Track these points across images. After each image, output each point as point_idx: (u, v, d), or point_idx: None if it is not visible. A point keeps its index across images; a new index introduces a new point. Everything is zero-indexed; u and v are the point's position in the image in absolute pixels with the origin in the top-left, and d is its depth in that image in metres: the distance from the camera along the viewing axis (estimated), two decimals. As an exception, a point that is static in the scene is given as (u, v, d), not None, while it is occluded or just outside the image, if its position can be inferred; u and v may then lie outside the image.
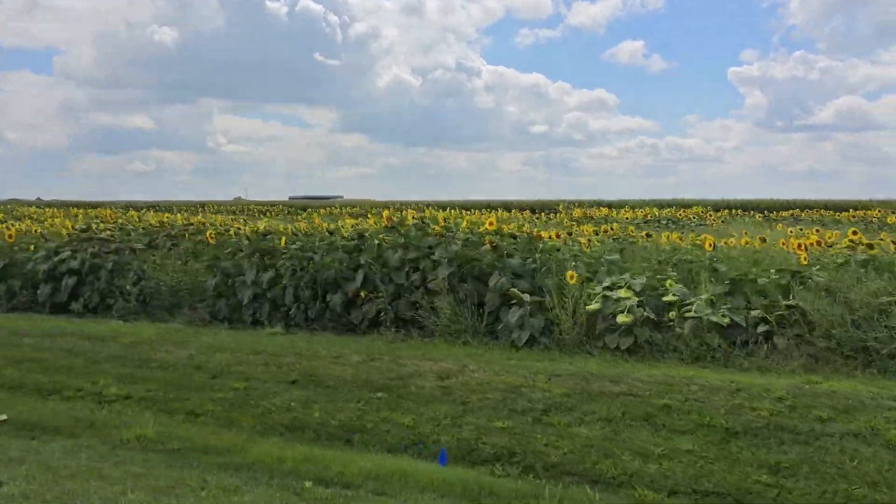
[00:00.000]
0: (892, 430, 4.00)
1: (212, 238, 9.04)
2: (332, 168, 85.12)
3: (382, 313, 7.08)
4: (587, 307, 6.11)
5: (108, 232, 9.80)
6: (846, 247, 6.87)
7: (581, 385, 4.91)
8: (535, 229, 8.09)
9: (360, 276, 7.24)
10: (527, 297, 6.33)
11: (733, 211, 27.50)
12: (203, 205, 41.29)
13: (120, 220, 12.17)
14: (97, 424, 4.45)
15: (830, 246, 7.21)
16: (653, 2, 71.64)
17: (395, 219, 7.91)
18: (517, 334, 6.23)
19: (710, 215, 24.01)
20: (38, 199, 56.89)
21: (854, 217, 22.00)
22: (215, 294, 7.96)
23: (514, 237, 7.48)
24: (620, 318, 5.84)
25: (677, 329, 5.83)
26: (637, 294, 6.08)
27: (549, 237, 7.74)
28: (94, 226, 10.37)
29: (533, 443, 4.09)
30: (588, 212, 26.42)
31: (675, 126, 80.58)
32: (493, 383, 5.02)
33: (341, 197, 58.48)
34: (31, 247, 9.32)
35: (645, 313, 5.90)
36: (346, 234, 8.23)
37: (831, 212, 26.03)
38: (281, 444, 4.16)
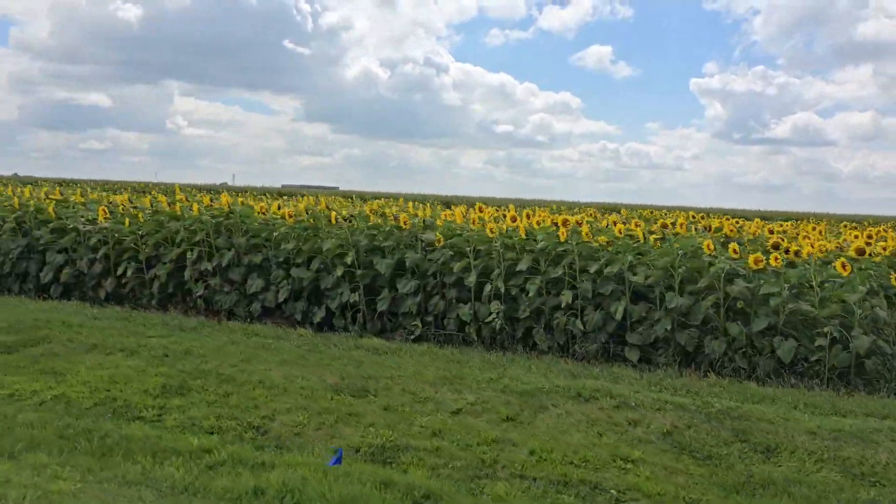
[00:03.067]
0: None
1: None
2: (292, 156, 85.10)
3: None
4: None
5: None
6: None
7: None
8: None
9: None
10: None
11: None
12: (185, 187, 40.47)
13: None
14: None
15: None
16: (622, 10, 74.04)
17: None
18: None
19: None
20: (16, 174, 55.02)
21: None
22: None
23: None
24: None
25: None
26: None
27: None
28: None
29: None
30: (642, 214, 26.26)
31: (636, 132, 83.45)
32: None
33: (337, 188, 58.22)
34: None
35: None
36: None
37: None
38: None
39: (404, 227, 7.00)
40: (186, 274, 7.69)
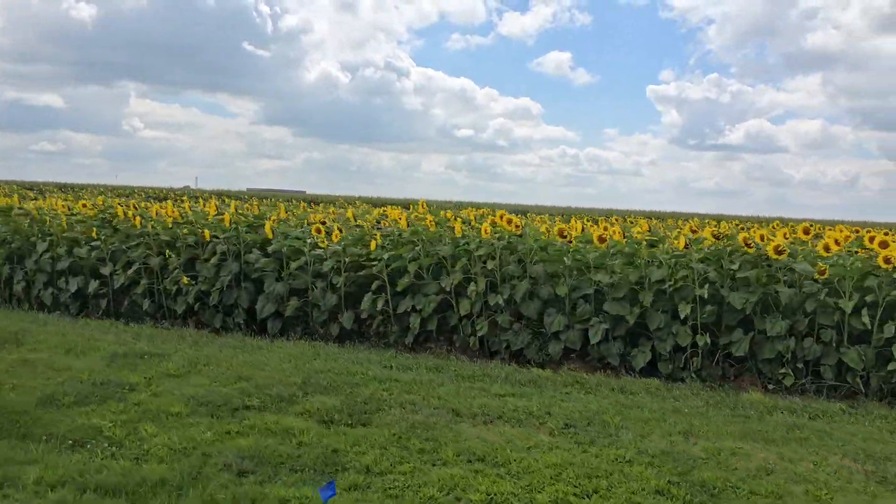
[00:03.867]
0: None
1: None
2: (252, 159, 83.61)
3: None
4: None
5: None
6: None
7: None
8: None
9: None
10: None
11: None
12: (143, 190, 38.35)
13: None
14: None
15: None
16: (581, 17, 74.89)
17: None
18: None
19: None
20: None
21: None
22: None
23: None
24: None
25: None
26: None
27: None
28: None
29: None
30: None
31: (595, 138, 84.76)
32: None
33: (304, 192, 56.82)
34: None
35: None
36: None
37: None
38: None
39: (774, 256, 5.74)
40: (462, 308, 6.32)
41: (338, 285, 6.66)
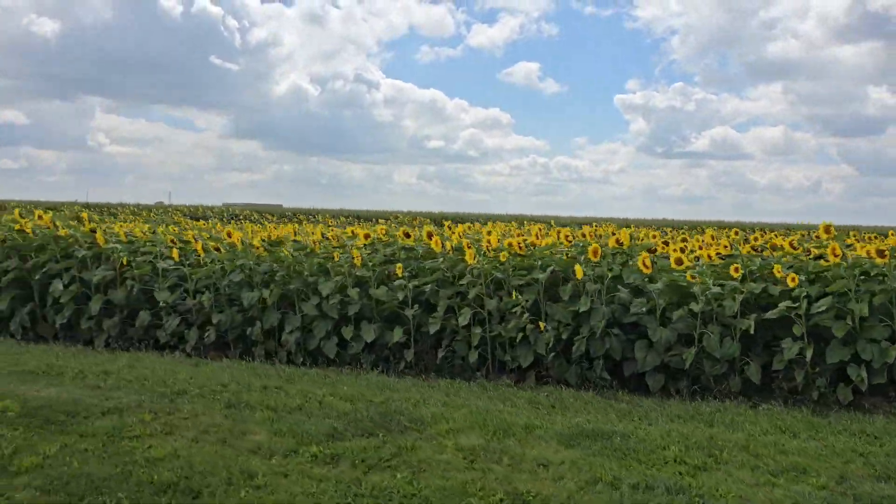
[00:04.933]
0: None
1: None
2: (221, 173, 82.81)
3: None
4: None
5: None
6: None
7: None
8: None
9: None
10: None
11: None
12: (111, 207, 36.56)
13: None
14: None
15: None
16: (548, 28, 76.56)
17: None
18: None
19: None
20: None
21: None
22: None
23: None
24: None
25: None
26: None
27: None
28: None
29: None
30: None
31: (565, 147, 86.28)
32: None
33: (280, 206, 55.64)
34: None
35: None
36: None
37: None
38: None
39: None
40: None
41: (735, 329, 5.45)
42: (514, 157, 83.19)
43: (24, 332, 6.94)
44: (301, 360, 6.33)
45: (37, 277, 6.89)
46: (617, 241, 6.03)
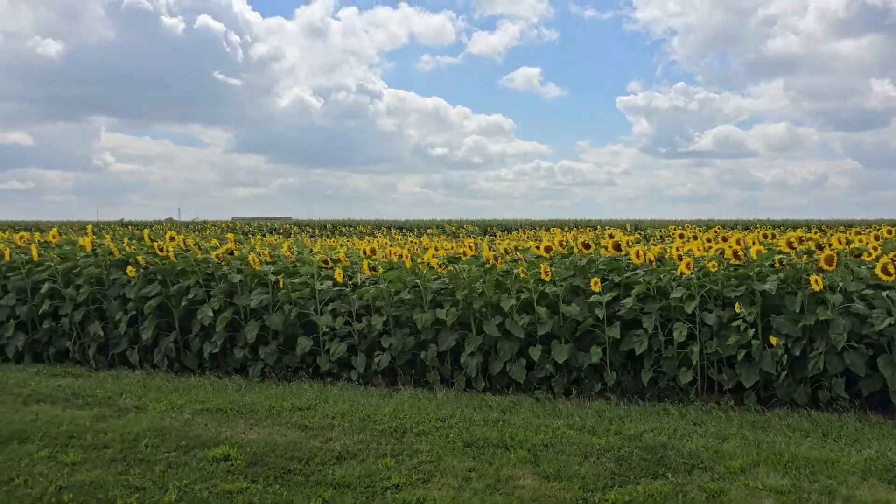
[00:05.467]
0: None
1: None
2: (226, 188, 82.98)
3: None
4: None
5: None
6: None
7: None
8: None
9: None
10: None
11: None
12: (124, 224, 36.22)
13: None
14: None
15: None
16: (548, 34, 76.40)
17: None
18: None
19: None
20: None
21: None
22: None
23: None
24: None
25: None
26: None
27: None
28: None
29: None
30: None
31: (568, 151, 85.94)
32: None
33: (290, 218, 55.65)
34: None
35: None
36: None
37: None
38: None
39: None
40: None
41: None
42: (518, 163, 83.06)
43: (168, 362, 6.46)
44: (483, 385, 5.81)
45: (182, 304, 6.41)
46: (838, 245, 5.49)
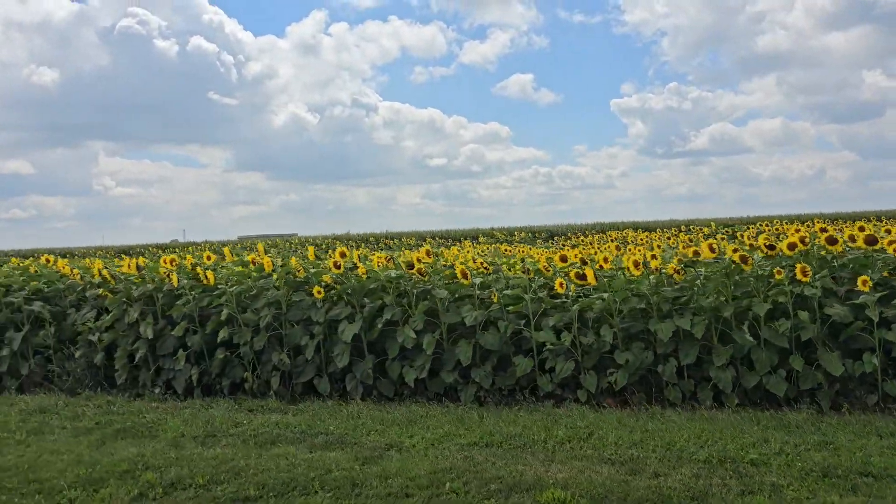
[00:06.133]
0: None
1: None
2: (227, 207, 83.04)
3: None
4: None
5: None
6: None
7: None
8: None
9: None
10: None
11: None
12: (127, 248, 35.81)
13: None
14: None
15: None
16: (538, 40, 76.45)
17: None
18: None
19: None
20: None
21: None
22: None
23: None
24: None
25: None
26: None
27: None
28: None
29: None
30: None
31: (565, 155, 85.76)
32: None
33: (296, 234, 55.49)
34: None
35: None
36: None
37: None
38: None
39: None
40: None
41: None
42: (517, 169, 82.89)
43: (365, 390, 5.88)
44: (735, 401, 5.21)
45: (376, 325, 5.84)
46: None
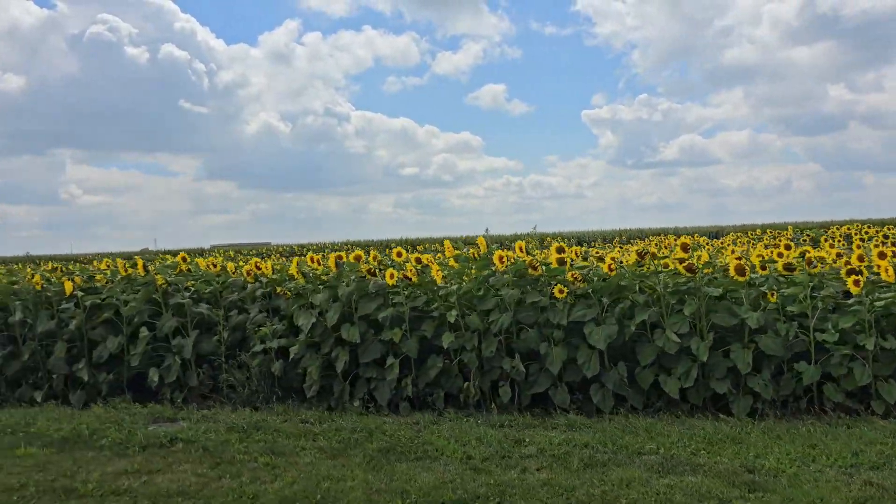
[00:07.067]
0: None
1: None
2: (198, 216, 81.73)
3: None
4: None
5: None
6: None
7: None
8: None
9: None
10: None
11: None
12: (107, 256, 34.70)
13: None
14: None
15: None
16: (510, 51, 77.13)
17: None
18: None
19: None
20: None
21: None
22: None
23: None
24: None
25: None
26: None
27: None
28: None
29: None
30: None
31: (537, 165, 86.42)
32: None
33: (269, 243, 54.74)
34: None
35: None
36: None
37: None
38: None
39: None
40: None
41: None
42: (488, 179, 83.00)
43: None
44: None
45: (628, 328, 5.17)
46: None
